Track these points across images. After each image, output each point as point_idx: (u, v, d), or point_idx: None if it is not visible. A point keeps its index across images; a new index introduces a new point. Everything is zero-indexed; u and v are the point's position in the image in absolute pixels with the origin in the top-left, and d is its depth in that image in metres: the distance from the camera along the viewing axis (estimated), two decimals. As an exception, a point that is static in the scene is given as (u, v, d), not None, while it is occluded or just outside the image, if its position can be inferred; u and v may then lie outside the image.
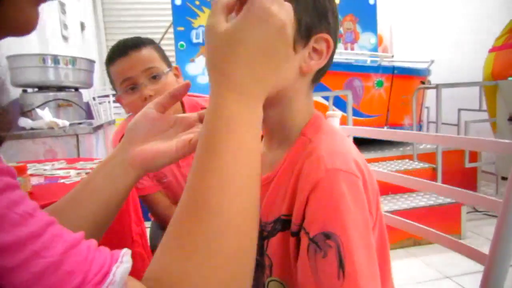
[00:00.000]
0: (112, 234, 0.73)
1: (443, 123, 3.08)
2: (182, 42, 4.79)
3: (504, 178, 3.21)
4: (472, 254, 0.82)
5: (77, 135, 2.15)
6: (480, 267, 0.76)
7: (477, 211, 3.11)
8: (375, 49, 4.45)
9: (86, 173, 1.22)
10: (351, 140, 1.00)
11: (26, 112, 2.33)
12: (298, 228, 0.53)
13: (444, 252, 2.07)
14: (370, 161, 3.16)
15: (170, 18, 4.85)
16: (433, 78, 4.04)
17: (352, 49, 4.43)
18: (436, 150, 2.95)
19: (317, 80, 0.62)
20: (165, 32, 4.95)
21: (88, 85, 2.70)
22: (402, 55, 4.98)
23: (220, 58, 0.45)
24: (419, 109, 3.75)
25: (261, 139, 0.66)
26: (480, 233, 2.77)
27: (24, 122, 2.14)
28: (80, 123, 2.42)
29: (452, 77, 4.02)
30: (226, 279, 0.38)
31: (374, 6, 5.14)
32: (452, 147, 3.32)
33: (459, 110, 3.82)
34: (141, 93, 1.20)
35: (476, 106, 3.69)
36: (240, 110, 0.44)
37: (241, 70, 0.44)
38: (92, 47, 5.36)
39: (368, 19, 4.76)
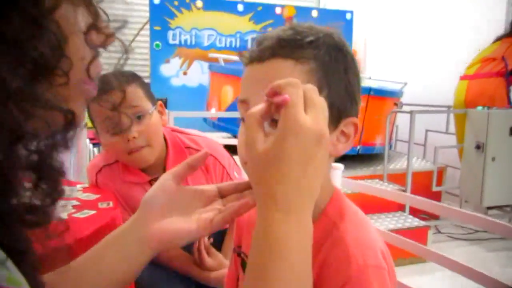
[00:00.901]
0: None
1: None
2: (158, 42, 4.69)
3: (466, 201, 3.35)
4: None
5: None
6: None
7: (440, 232, 3.23)
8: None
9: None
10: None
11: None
12: None
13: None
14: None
15: (146, 15, 4.76)
16: (404, 98, 4.16)
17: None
18: (407, 171, 3.03)
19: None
20: (141, 29, 4.83)
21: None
22: (375, 71, 5.10)
23: (263, 178, 0.45)
24: (391, 129, 3.85)
25: None
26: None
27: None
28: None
29: (421, 98, 4.16)
30: None
31: (351, 21, 5.25)
32: (421, 169, 3.43)
33: (427, 131, 3.96)
34: (125, 135, 1.14)
35: (443, 129, 3.85)
36: (290, 231, 0.44)
37: (286, 188, 0.44)
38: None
39: (344, 33, 4.84)
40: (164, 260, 1.20)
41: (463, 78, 3.56)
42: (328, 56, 0.57)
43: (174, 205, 0.60)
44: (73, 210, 1.10)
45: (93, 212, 1.10)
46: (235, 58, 2.94)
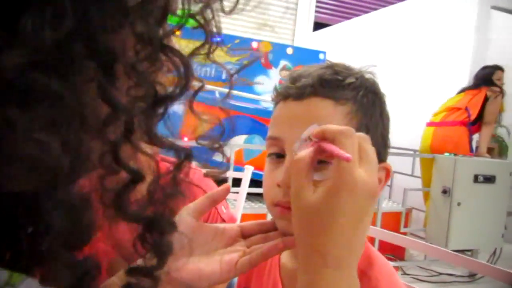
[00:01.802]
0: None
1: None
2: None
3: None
4: None
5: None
6: None
7: (405, 273, 3.29)
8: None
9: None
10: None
11: None
12: None
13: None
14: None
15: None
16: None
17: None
18: (377, 211, 3.10)
19: None
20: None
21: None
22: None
23: (311, 233, 0.43)
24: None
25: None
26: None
27: None
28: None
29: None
30: None
31: (323, 61, 5.42)
32: (388, 210, 3.51)
33: (393, 172, 4.08)
34: None
35: (409, 171, 3.98)
36: (339, 286, 0.42)
37: (335, 244, 0.42)
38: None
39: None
40: None
41: (429, 124, 3.74)
42: (366, 99, 0.57)
43: (194, 244, 0.54)
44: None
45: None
46: (214, 87, 2.94)
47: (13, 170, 0.24)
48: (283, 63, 4.91)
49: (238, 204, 1.58)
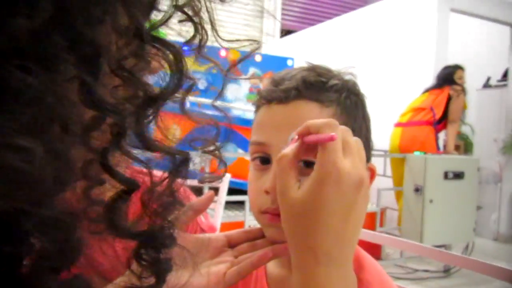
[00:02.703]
0: None
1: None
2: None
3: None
4: None
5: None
6: None
7: (383, 273, 3.33)
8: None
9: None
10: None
11: None
12: None
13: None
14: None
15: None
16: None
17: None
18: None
19: None
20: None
21: None
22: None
23: (299, 229, 0.42)
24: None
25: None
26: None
27: None
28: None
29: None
30: None
31: (292, 67, 5.47)
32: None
33: (367, 173, 4.15)
34: None
35: (380, 172, 4.05)
36: (332, 284, 0.41)
37: (324, 240, 0.41)
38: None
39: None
40: None
41: (397, 125, 3.83)
42: (349, 101, 0.57)
43: (191, 257, 0.51)
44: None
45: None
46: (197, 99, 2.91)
47: None
48: (252, 70, 4.92)
49: (217, 213, 1.56)
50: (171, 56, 0.29)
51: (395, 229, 3.59)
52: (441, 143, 3.84)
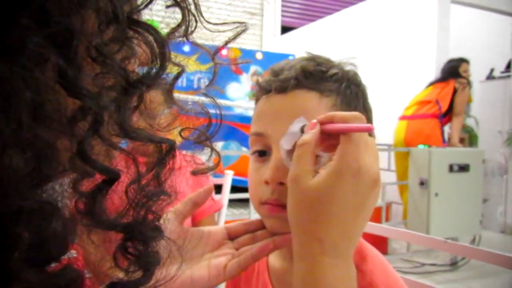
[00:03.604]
0: None
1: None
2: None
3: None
4: None
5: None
6: None
7: (389, 267, 3.32)
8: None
9: None
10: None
11: None
12: None
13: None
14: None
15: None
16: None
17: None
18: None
19: None
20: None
21: None
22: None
23: (309, 218, 0.42)
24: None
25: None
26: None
27: None
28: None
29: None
30: None
31: (293, 64, 5.48)
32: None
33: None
34: None
35: (385, 166, 4.04)
36: (338, 276, 0.41)
37: (333, 231, 0.41)
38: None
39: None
40: None
41: (401, 118, 3.81)
42: (349, 91, 0.56)
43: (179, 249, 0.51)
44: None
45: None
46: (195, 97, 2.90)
47: None
48: (253, 68, 4.91)
49: (221, 211, 1.56)
50: (153, 41, 0.28)
51: (401, 224, 3.58)
52: (446, 136, 3.83)
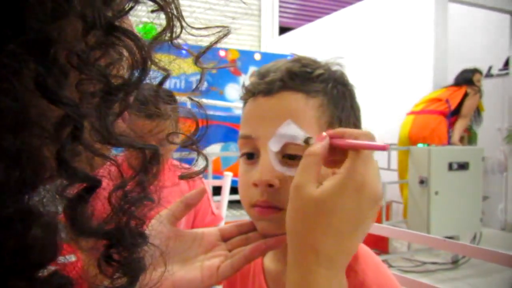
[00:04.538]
0: None
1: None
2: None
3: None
4: None
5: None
6: None
7: (391, 266, 3.32)
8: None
9: None
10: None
11: None
12: None
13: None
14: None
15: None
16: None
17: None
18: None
19: None
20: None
21: None
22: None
23: (307, 227, 0.42)
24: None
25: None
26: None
27: None
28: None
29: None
30: None
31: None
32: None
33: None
34: None
35: (384, 165, 4.04)
36: (330, 287, 0.41)
37: (330, 243, 0.41)
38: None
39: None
40: None
41: (409, 113, 3.84)
42: (336, 91, 0.56)
43: (171, 251, 0.51)
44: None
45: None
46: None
47: None
48: (252, 69, 4.91)
49: (220, 212, 1.56)
50: (133, 44, 0.28)
51: (401, 223, 3.58)
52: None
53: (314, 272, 0.41)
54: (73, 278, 0.27)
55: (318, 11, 6.59)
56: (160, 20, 0.30)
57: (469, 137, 4.51)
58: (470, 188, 3.22)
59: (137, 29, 0.31)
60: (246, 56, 5.16)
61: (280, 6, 6.56)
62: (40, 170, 0.24)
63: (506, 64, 4.64)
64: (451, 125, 3.73)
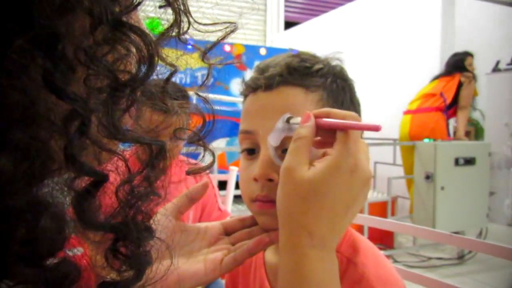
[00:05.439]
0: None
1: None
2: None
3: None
4: None
5: None
6: None
7: (396, 261, 3.32)
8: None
9: None
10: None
11: None
12: None
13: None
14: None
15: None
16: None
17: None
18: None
19: None
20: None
21: None
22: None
23: (300, 209, 0.42)
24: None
25: None
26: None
27: None
28: None
29: (368, 133, 4.35)
30: None
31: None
32: (374, 200, 3.54)
33: (375, 163, 4.14)
34: None
35: (390, 161, 4.03)
36: (325, 269, 0.42)
37: (323, 224, 0.42)
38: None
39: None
40: None
41: (406, 113, 3.80)
42: (335, 85, 0.57)
43: (175, 244, 0.52)
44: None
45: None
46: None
47: None
48: (257, 63, 4.90)
49: (226, 207, 1.56)
50: (139, 40, 0.28)
51: (407, 218, 3.57)
52: (451, 130, 3.80)
53: (308, 254, 0.41)
54: (80, 267, 0.28)
55: (324, 6, 6.56)
56: (167, 15, 0.31)
57: (476, 132, 4.48)
58: (476, 183, 3.20)
59: (145, 24, 0.31)
60: (251, 50, 5.14)
61: (286, 1, 6.53)
62: (48, 163, 0.25)
63: (514, 58, 4.60)
64: (449, 117, 3.67)
